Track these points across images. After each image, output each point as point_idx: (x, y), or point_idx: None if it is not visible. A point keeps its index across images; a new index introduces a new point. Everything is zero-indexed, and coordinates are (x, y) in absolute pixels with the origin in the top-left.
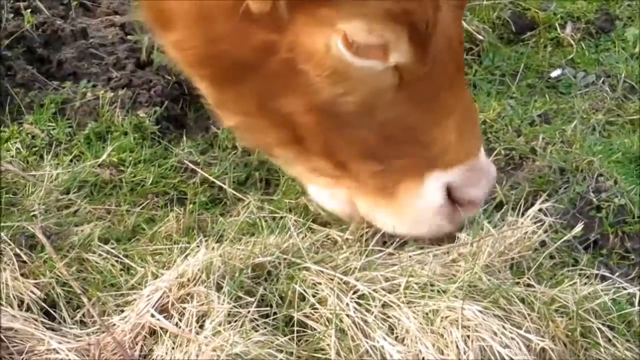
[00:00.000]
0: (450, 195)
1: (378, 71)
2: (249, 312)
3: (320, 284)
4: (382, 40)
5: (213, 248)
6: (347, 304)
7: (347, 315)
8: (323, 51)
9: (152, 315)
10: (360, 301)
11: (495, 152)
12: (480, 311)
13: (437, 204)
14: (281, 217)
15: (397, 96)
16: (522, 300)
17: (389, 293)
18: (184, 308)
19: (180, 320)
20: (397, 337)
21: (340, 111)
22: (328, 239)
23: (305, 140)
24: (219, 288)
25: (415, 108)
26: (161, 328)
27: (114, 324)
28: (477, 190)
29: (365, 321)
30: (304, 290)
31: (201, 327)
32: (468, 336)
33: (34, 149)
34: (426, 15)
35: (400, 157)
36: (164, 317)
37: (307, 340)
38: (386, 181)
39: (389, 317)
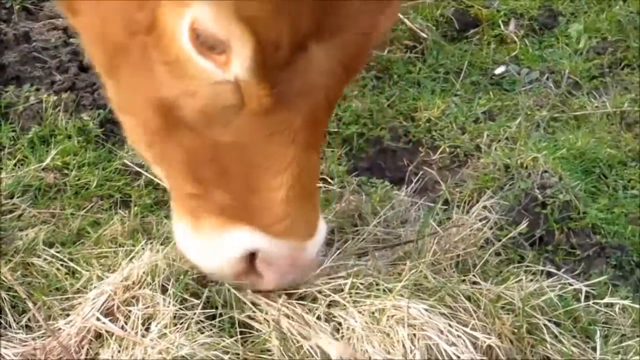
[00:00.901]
0: (252, 258)
1: (217, 81)
2: (194, 314)
3: None
4: (224, 36)
5: (158, 250)
6: (289, 304)
7: (289, 317)
8: (171, 34)
9: (98, 319)
10: (304, 302)
11: (440, 149)
12: (426, 309)
13: (229, 259)
14: None
15: (237, 122)
16: (468, 298)
17: (334, 293)
18: (130, 311)
19: (126, 324)
20: (342, 336)
21: (180, 116)
22: None
23: (152, 144)
24: (164, 290)
25: (250, 143)
26: (107, 331)
27: (60, 328)
28: (277, 276)
29: (307, 323)
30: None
31: (147, 329)
32: (414, 335)
33: None
34: (276, 36)
35: (221, 190)
36: (110, 320)
37: (252, 342)
38: (199, 205)
39: (334, 317)
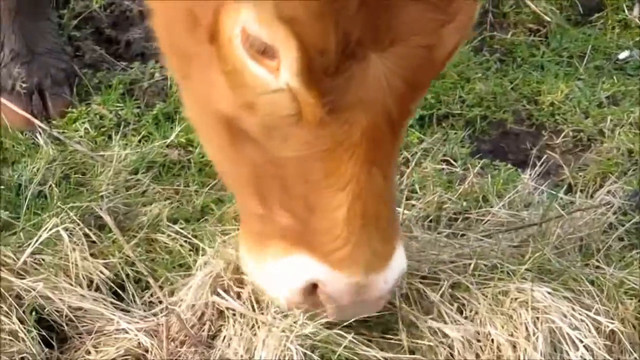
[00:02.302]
0: (315, 287)
1: (272, 89)
2: None
3: None
4: (269, 38)
5: None
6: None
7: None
8: (227, 42)
9: (219, 295)
10: (425, 281)
11: (563, 134)
12: (549, 293)
13: (289, 287)
14: None
15: (295, 135)
16: (592, 282)
17: (458, 275)
18: (241, 290)
19: (240, 300)
20: (466, 317)
21: (242, 129)
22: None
23: (221, 159)
24: None
25: (309, 158)
26: (228, 308)
27: (181, 305)
28: (337, 309)
29: (431, 302)
30: None
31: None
32: (537, 318)
33: (102, 130)
34: (321, 40)
35: (284, 210)
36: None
37: (375, 322)
38: (264, 229)
39: (457, 298)
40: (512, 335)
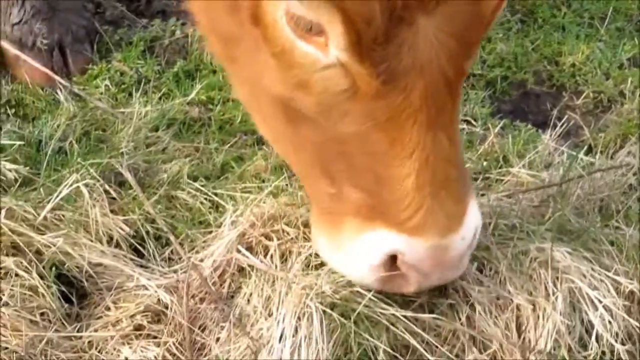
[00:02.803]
0: (395, 260)
1: (323, 66)
2: None
3: None
4: (314, 16)
5: (300, 187)
6: None
7: None
8: (273, 24)
9: (239, 252)
10: None
11: (584, 94)
12: (569, 252)
13: (369, 264)
14: None
15: (353, 109)
16: (611, 243)
17: None
18: (267, 246)
19: (265, 257)
20: (486, 276)
21: (299, 109)
22: None
23: (280, 140)
24: (309, 230)
25: (371, 130)
26: (249, 265)
27: (201, 261)
28: (421, 277)
29: None
30: None
31: (285, 266)
32: (557, 277)
33: (122, 87)
34: (367, 10)
35: (353, 186)
36: (252, 254)
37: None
38: (336, 208)
39: (477, 257)
40: (531, 294)
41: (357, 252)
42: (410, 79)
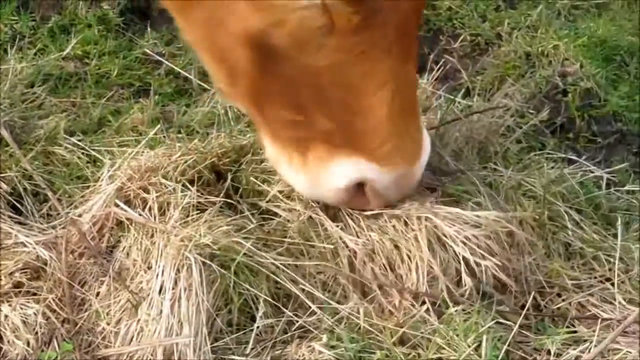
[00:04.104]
0: (359, 184)
1: (303, 5)
2: (213, 203)
3: None
4: None
5: (178, 139)
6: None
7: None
8: None
9: (117, 206)
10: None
11: (461, 37)
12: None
13: (337, 188)
14: None
15: (329, 43)
16: (490, 185)
17: None
18: (145, 199)
19: (144, 210)
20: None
21: (270, 45)
22: None
23: (239, 80)
24: (187, 181)
25: (345, 63)
26: (127, 219)
27: (80, 216)
28: (383, 200)
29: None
30: (269, 180)
31: (165, 218)
32: (426, 218)
33: None
34: None
35: (324, 116)
36: (130, 207)
37: (274, 229)
38: (304, 134)
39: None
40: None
41: (325, 177)
42: (388, 14)
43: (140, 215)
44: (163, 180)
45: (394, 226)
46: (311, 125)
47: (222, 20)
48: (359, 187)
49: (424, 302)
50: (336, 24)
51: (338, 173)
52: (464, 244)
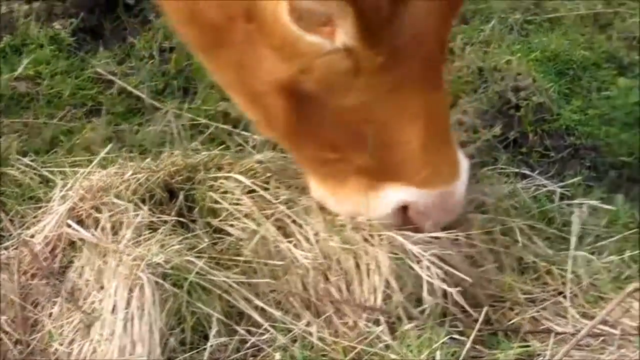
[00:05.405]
0: (405, 210)
1: (328, 51)
2: (165, 222)
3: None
4: (324, 9)
5: (131, 158)
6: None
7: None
8: (272, 19)
9: (69, 226)
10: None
11: None
12: None
13: (385, 214)
14: (199, 125)
15: (357, 84)
16: None
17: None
18: (98, 219)
19: (96, 230)
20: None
21: (300, 91)
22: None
23: (274, 123)
24: (140, 199)
25: (375, 101)
26: (80, 239)
27: (32, 237)
28: (432, 223)
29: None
30: (221, 198)
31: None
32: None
33: None
34: (375, 0)
35: (360, 153)
36: (83, 227)
37: (227, 248)
38: (342, 169)
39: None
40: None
41: (369, 205)
42: (411, 51)
43: (92, 235)
44: (115, 200)
45: (350, 242)
46: (348, 162)
47: (251, 66)
48: (406, 214)
49: (378, 320)
50: (361, 65)
51: (380, 201)
52: (419, 260)
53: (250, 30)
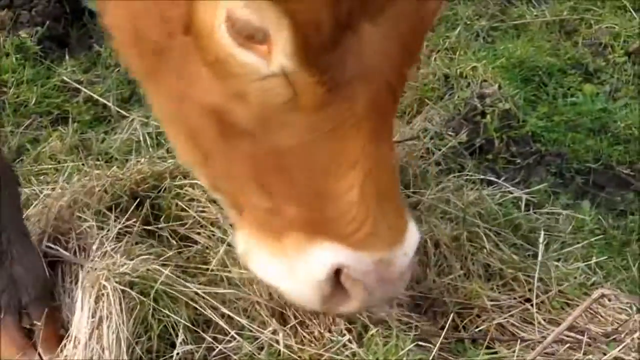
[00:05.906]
0: (337, 275)
1: (264, 75)
2: (131, 230)
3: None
4: (260, 21)
5: (97, 167)
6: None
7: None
8: (209, 30)
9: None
10: None
11: None
12: None
13: (314, 282)
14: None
15: (294, 120)
16: (409, 206)
17: None
18: (68, 232)
19: (62, 237)
20: None
21: (233, 122)
22: None
23: (209, 158)
24: (107, 208)
25: (312, 143)
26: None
27: None
28: (365, 293)
29: None
30: (188, 206)
31: (85, 249)
32: None
33: None
34: (314, 15)
35: (294, 201)
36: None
37: (194, 256)
38: (274, 222)
39: None
40: None
41: (300, 267)
42: (355, 88)
43: (55, 245)
44: (82, 215)
45: None
46: (282, 213)
47: (187, 87)
48: (338, 279)
49: (348, 330)
50: (300, 97)
51: (314, 262)
52: None
53: (187, 44)
